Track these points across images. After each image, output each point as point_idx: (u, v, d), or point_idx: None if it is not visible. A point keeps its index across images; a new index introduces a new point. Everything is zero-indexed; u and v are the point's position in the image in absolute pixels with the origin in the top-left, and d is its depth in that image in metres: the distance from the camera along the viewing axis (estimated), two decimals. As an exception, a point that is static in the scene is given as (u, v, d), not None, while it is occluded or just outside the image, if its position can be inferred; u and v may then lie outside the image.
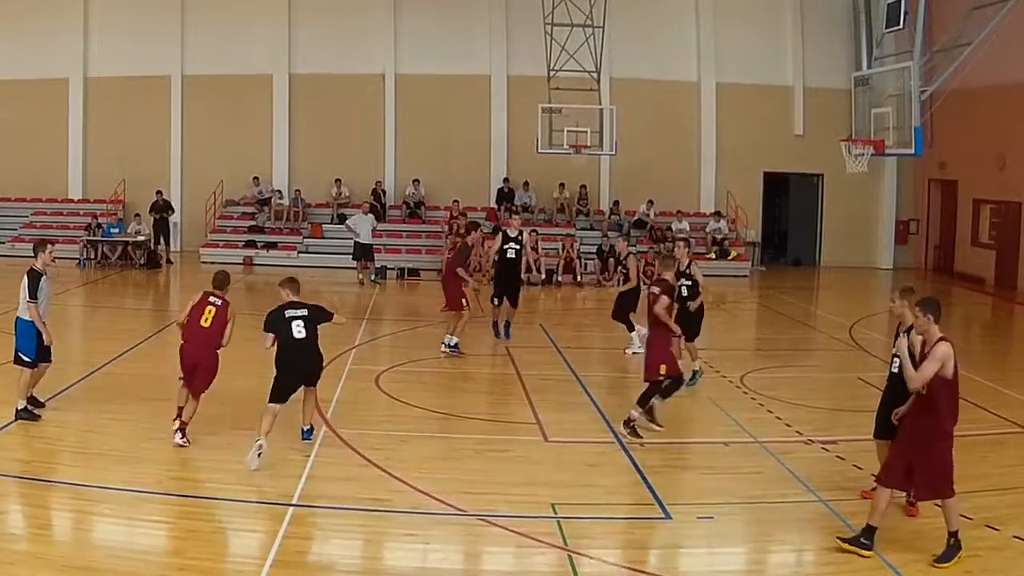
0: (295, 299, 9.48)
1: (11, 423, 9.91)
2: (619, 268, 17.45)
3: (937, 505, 7.32)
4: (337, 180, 27.14)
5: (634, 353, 14.28)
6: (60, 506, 7.98)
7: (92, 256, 24.84)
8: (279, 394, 9.28)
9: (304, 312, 9.41)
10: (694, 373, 12.52)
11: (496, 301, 15.52)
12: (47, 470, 8.63)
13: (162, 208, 25.69)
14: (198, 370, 9.50)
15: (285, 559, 7.07)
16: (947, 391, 7.26)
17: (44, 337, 10.20)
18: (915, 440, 7.35)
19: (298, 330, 9.28)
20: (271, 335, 9.32)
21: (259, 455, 8.79)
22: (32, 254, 10.47)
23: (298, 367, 9.38)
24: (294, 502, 8.16)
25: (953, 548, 7.24)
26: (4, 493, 8.09)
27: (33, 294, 10.08)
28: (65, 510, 7.91)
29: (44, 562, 6.78)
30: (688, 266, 12.55)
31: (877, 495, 7.48)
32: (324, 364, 9.69)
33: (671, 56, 27.89)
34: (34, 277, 10.16)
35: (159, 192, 26.15)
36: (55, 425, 10.06)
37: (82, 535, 7.52)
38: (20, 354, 10.18)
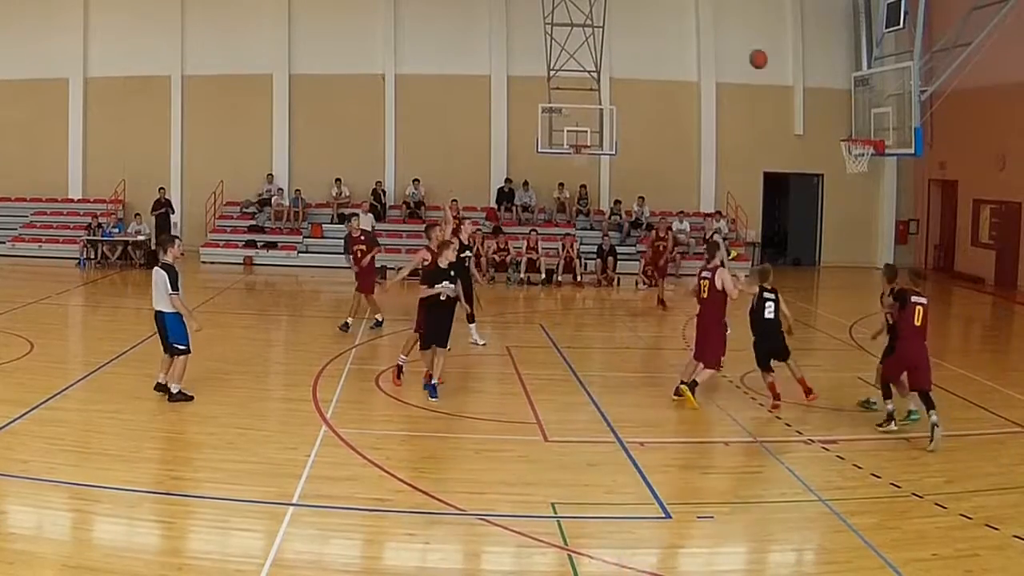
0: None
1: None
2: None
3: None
4: (337, 180, 27.17)
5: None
6: (60, 506, 7.96)
7: (92, 256, 24.84)
8: None
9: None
10: (909, 412, 10.79)
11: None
12: (47, 470, 8.60)
13: (164, 205, 25.68)
14: None
15: (285, 559, 7.06)
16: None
17: (191, 325, 11.09)
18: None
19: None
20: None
21: None
22: (162, 250, 11.27)
23: None
24: (294, 502, 8.15)
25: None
26: (4, 493, 8.07)
27: (175, 286, 10.92)
28: (65, 510, 7.90)
29: (44, 562, 6.76)
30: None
31: None
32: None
33: (671, 56, 27.92)
34: (171, 271, 11.01)
35: (161, 189, 26.19)
36: (55, 425, 10.05)
37: (82, 535, 7.50)
38: (176, 345, 11.03)
